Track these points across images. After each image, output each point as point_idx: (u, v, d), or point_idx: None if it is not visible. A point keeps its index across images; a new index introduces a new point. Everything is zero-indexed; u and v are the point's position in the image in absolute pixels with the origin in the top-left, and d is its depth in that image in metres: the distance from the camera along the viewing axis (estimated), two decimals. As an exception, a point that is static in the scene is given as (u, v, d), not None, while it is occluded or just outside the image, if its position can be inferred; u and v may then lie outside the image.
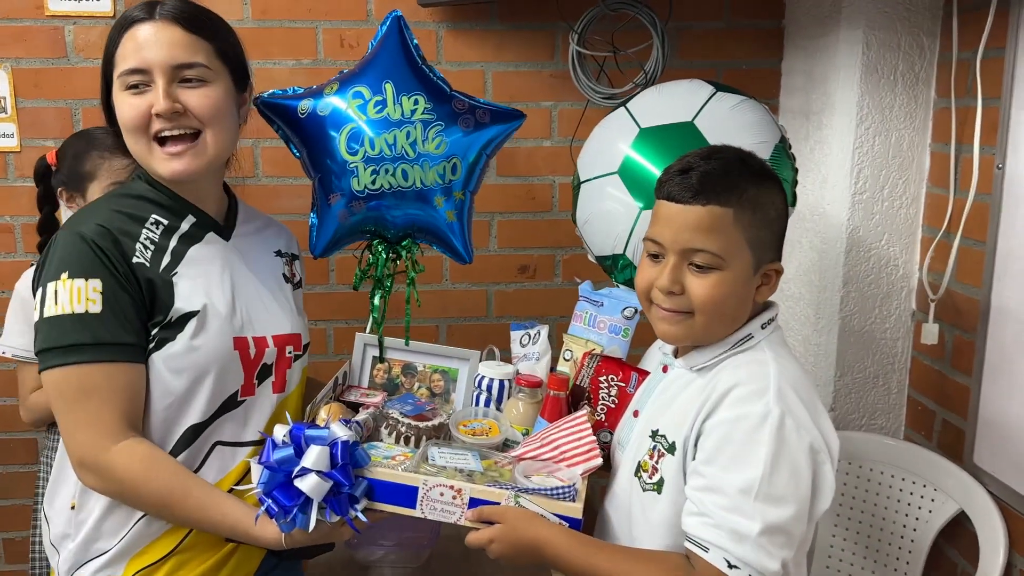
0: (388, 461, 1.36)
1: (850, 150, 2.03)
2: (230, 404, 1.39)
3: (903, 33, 1.99)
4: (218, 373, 1.36)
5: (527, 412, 1.49)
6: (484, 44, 2.22)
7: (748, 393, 1.19)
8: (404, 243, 1.59)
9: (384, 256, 1.58)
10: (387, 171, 1.48)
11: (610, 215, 1.50)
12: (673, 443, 1.25)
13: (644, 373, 1.45)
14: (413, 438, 1.45)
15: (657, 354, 1.47)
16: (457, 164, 1.52)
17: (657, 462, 1.27)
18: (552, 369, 1.57)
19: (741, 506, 1.14)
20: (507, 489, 1.28)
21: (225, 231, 1.46)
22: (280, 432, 1.28)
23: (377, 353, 1.64)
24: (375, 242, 1.59)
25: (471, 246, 1.61)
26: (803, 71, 2.21)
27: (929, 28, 1.99)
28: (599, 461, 1.35)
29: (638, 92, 1.96)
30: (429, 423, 1.47)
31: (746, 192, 1.22)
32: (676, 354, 1.37)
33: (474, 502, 1.27)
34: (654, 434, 1.30)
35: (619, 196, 1.49)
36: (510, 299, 2.34)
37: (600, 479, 1.45)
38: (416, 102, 1.48)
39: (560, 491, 1.28)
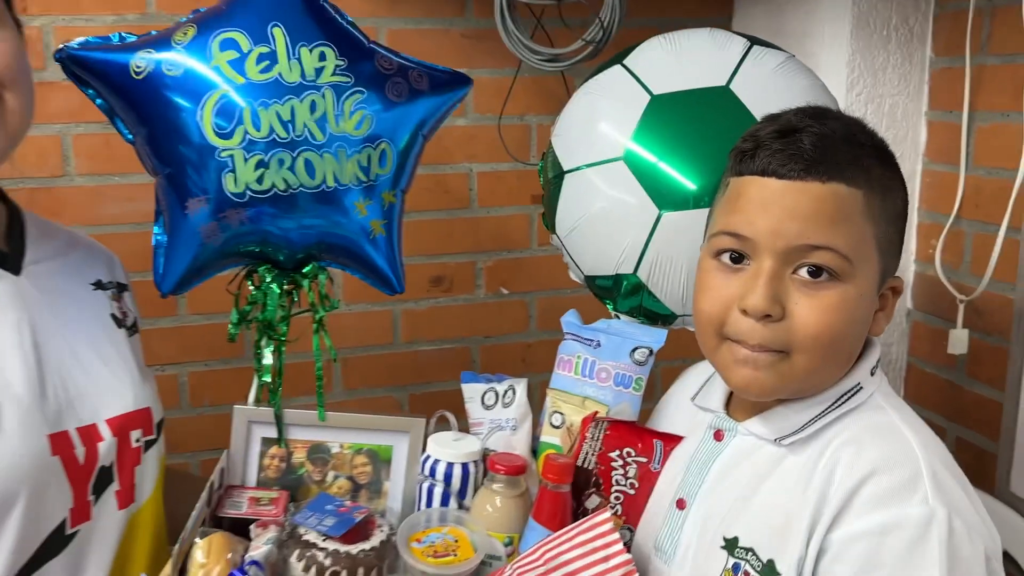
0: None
1: (839, 121, 1.67)
2: (56, 543, 0.91)
3: (895, -21, 1.64)
4: (31, 497, 0.87)
5: (508, 511, 1.02)
6: (376, -7, 1.71)
7: (894, 486, 0.79)
8: (306, 269, 1.07)
9: (276, 290, 1.06)
10: (281, 163, 0.97)
11: (613, 220, 1.05)
12: (770, 563, 0.83)
13: (673, 440, 1.01)
14: (344, 572, 0.95)
15: (683, 406, 1.04)
16: (386, 151, 1.03)
17: None
18: (535, 440, 1.10)
19: None
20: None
21: (10, 260, 0.95)
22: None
23: (268, 433, 1.11)
24: (261, 269, 1.07)
25: (402, 269, 1.11)
26: (768, 27, 1.83)
27: (924, -27, 1.66)
28: (639, 589, 0.90)
29: (589, 51, 1.53)
30: (366, 546, 0.98)
31: (874, 170, 0.85)
32: (728, 408, 0.95)
33: None
34: (730, 546, 0.86)
35: (627, 192, 1.03)
36: (422, 320, 1.85)
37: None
38: (323, 57, 0.98)
39: (600, 657, 0.82)
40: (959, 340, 1.55)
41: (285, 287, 1.07)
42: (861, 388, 0.87)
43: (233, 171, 0.96)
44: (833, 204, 0.81)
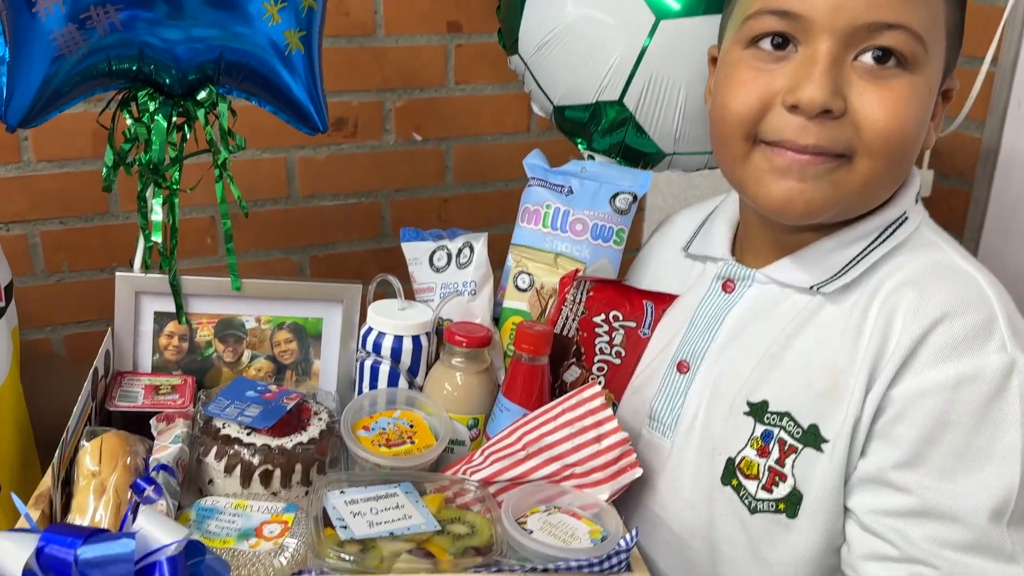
0: (247, 548, 0.68)
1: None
2: None
3: None
4: None
5: (471, 389, 0.86)
6: None
7: (967, 332, 0.66)
8: (201, 96, 0.83)
9: (163, 122, 0.81)
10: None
11: (595, 32, 0.84)
12: (812, 429, 0.70)
13: (665, 300, 0.87)
14: (278, 471, 0.77)
15: (669, 259, 0.89)
16: (305, -69, 0.77)
17: (781, 462, 0.71)
18: (496, 306, 0.93)
19: (990, 539, 0.64)
20: (510, 572, 0.67)
21: None
22: (15, 547, 0.55)
23: (162, 306, 0.89)
24: (140, 95, 0.81)
25: (325, 100, 0.88)
26: None
27: None
28: (638, 471, 0.77)
29: None
30: (302, 438, 0.79)
31: None
32: (734, 253, 0.81)
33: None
34: (758, 411, 0.73)
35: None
36: (322, 169, 1.61)
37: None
38: None
39: (610, 561, 0.68)
40: (923, 182, 1.46)
41: (175, 119, 0.82)
42: (907, 218, 0.74)
43: (96, -48, 0.70)
44: None
